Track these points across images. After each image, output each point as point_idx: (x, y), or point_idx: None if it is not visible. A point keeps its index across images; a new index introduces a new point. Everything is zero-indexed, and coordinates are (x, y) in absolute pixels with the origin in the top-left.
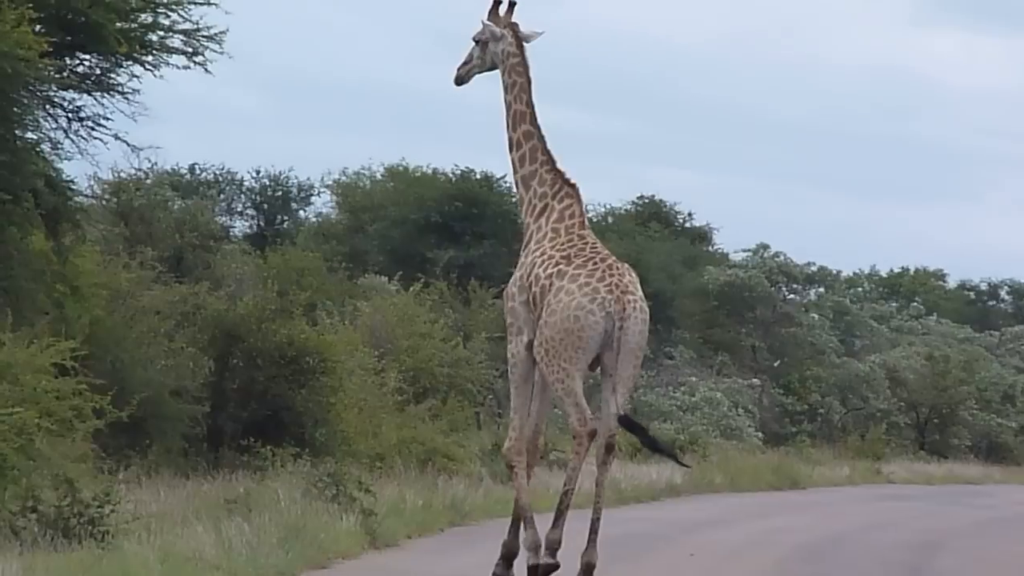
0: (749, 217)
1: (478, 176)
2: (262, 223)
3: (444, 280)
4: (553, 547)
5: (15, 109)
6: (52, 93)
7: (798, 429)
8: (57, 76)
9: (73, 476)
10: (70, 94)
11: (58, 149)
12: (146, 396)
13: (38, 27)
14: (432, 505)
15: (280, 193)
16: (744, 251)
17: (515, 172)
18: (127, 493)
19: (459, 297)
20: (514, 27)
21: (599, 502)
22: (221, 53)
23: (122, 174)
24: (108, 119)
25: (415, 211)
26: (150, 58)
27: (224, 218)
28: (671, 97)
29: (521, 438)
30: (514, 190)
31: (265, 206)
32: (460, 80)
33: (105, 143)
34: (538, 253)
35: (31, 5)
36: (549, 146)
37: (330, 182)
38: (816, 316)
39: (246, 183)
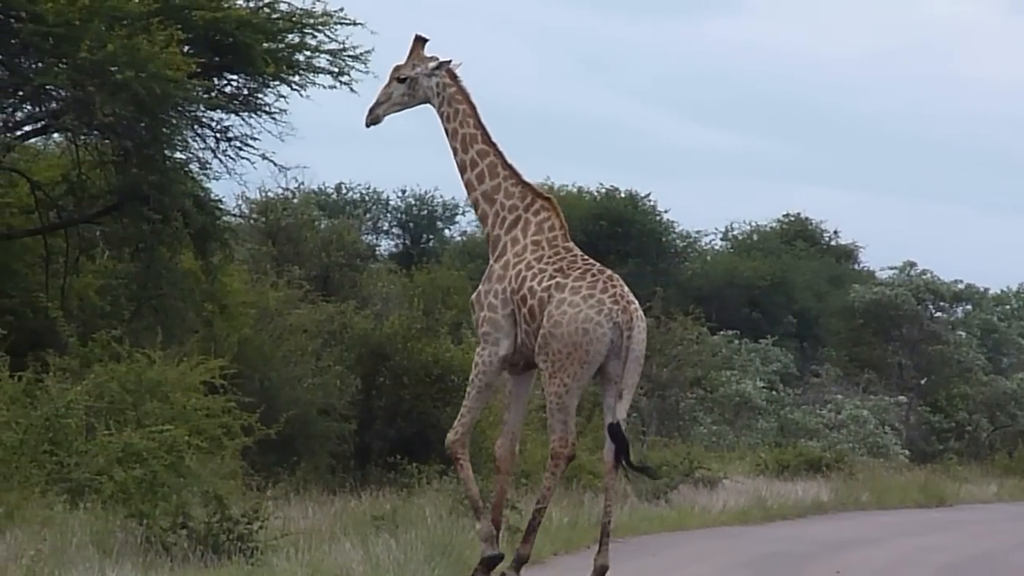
0: (895, 235)
1: (623, 195)
2: (408, 242)
3: None
4: (522, 562)
5: (164, 130)
6: (200, 113)
7: (945, 447)
8: (205, 96)
9: (223, 493)
10: (218, 114)
11: (206, 169)
12: (294, 414)
13: (187, 48)
14: (578, 522)
15: (426, 212)
16: (890, 269)
17: (472, 191)
18: (276, 510)
19: None
20: (442, 62)
21: (610, 505)
22: (367, 73)
23: (269, 194)
24: (256, 139)
25: None
26: (297, 78)
27: (370, 237)
28: (817, 116)
29: (467, 433)
30: (494, 207)
31: (411, 225)
32: (376, 120)
33: (253, 163)
34: (524, 266)
35: (180, 26)
36: (512, 162)
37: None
38: (963, 334)
39: (392, 202)
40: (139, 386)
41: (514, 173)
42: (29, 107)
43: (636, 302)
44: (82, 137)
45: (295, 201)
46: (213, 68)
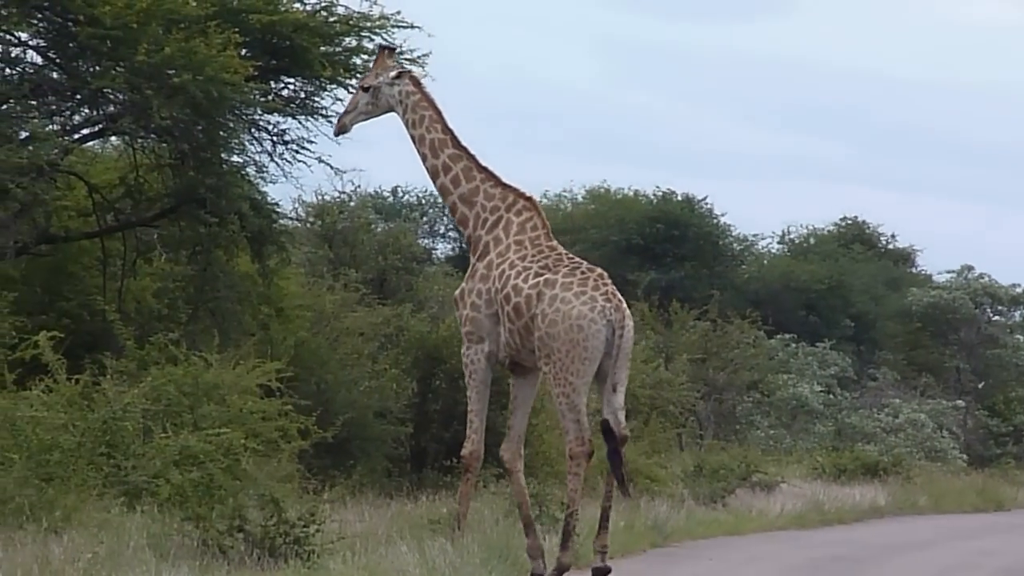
0: (953, 239)
1: (679, 198)
2: (464, 245)
3: (645, 302)
4: (563, 570)
5: (221, 133)
6: (257, 117)
7: (1002, 451)
8: (262, 100)
9: (279, 496)
10: (275, 117)
11: (263, 172)
12: (350, 417)
13: (244, 51)
14: (634, 526)
15: None
16: (948, 273)
17: (448, 195)
18: (332, 513)
19: (660, 319)
20: (403, 71)
21: (611, 492)
22: (424, 75)
23: (326, 197)
24: (312, 142)
25: (616, 233)
26: (354, 81)
27: (427, 240)
28: (875, 118)
29: (481, 441)
30: (474, 209)
31: None
32: (344, 129)
33: (309, 166)
34: (507, 265)
35: (237, 30)
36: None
37: None
38: (1021, 337)
39: None
40: (196, 389)
41: (491, 175)
42: (86, 110)
43: (623, 300)
44: (139, 140)
45: (351, 204)
46: (270, 71)
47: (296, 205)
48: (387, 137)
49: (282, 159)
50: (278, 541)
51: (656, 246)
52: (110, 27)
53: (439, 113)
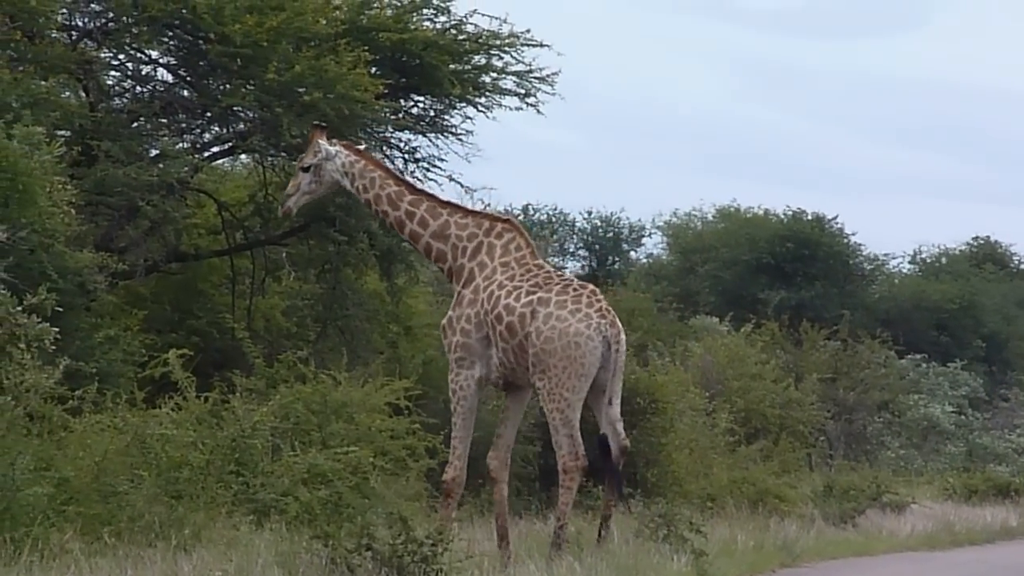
0: None
1: (810, 217)
2: (594, 264)
3: (775, 321)
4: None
5: None
6: (388, 134)
7: None
8: (392, 118)
9: (407, 514)
10: (406, 135)
11: None
12: (478, 436)
13: (373, 69)
14: (763, 546)
15: (612, 234)
16: None
17: (420, 238)
18: (460, 531)
19: (791, 338)
20: (340, 144)
21: (611, 500)
22: (553, 94)
23: None
24: (443, 160)
25: (746, 252)
26: (483, 99)
27: (557, 259)
28: (1008, 136)
29: (464, 467)
30: (449, 242)
31: (597, 247)
32: (288, 213)
33: (440, 184)
34: (496, 286)
35: (367, 48)
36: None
37: (661, 223)
38: None
39: (578, 224)
40: (324, 407)
41: (456, 207)
42: (217, 128)
43: (616, 315)
44: (269, 158)
45: None
46: (400, 89)
47: None
48: (518, 155)
49: (413, 177)
50: (406, 559)
51: (786, 265)
52: (240, 45)
53: (387, 170)
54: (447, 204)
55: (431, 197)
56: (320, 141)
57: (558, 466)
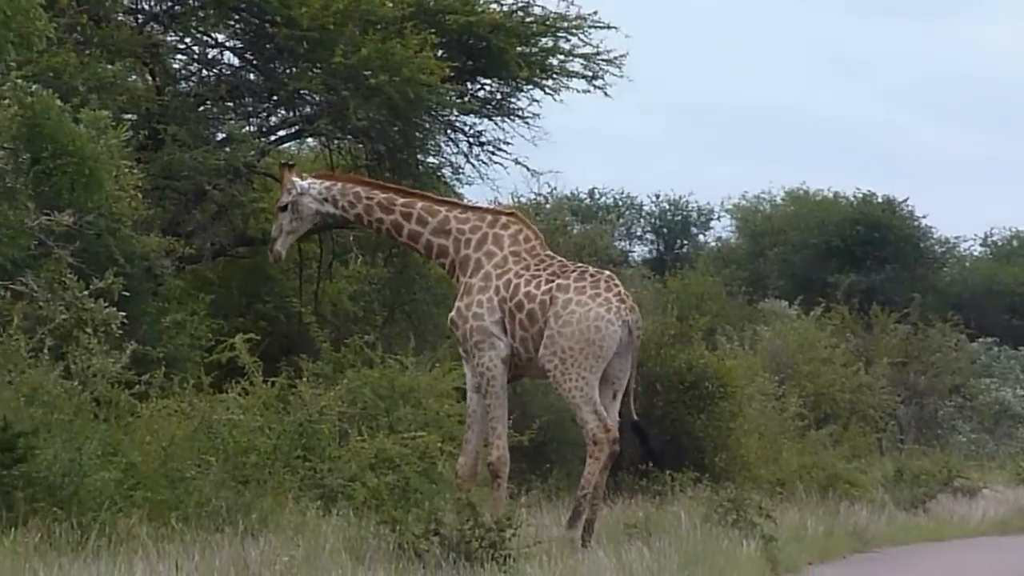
0: None
1: (880, 200)
2: (662, 248)
3: (845, 305)
4: (576, 544)
5: (417, 134)
6: (454, 118)
7: None
8: (459, 101)
9: (475, 500)
10: (471, 119)
11: (459, 174)
12: (547, 420)
13: (440, 52)
14: (834, 531)
15: (680, 218)
16: None
17: (419, 238)
18: (528, 517)
19: (861, 322)
20: (313, 174)
21: (597, 498)
22: (620, 77)
23: (522, 199)
24: (508, 143)
25: (816, 235)
26: (550, 82)
27: (623, 243)
28: None
29: (505, 446)
30: (451, 236)
31: (665, 231)
32: (278, 257)
33: (505, 168)
34: (512, 275)
35: (433, 30)
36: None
37: (730, 206)
38: None
39: (646, 207)
40: (392, 392)
41: (454, 203)
42: (283, 112)
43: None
44: (335, 141)
45: (547, 206)
46: (466, 72)
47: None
48: (585, 139)
49: (478, 161)
50: (474, 545)
51: (856, 248)
52: (307, 28)
53: (368, 182)
54: (444, 201)
55: (425, 197)
56: (293, 178)
57: (586, 438)
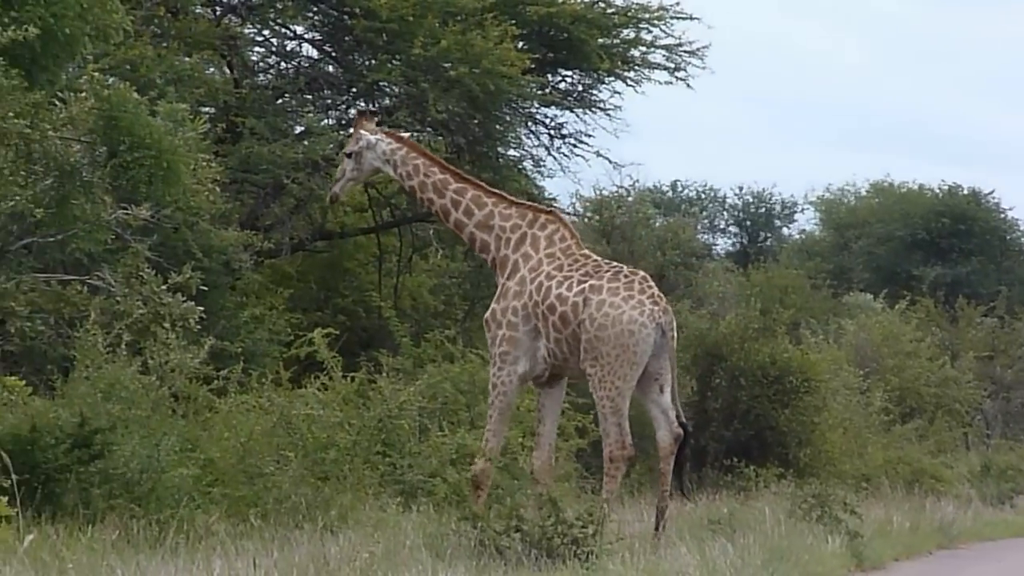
0: None
1: (965, 191)
2: (745, 240)
3: (931, 297)
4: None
5: (497, 127)
6: (534, 110)
7: None
8: (539, 93)
9: (557, 495)
10: (552, 111)
11: (540, 166)
12: (630, 415)
13: (520, 44)
14: (919, 527)
15: (763, 210)
16: None
17: (464, 227)
18: (610, 513)
19: (946, 315)
20: (382, 132)
21: (665, 490)
22: (703, 68)
23: (604, 191)
24: (590, 136)
25: (901, 228)
26: (632, 74)
27: (706, 236)
28: None
29: (493, 462)
30: (493, 232)
31: (748, 223)
32: (335, 198)
33: (587, 160)
34: (544, 277)
35: (514, 22)
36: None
37: (814, 199)
38: None
39: (729, 200)
40: (472, 387)
41: (502, 197)
42: (362, 104)
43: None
44: (415, 133)
45: (630, 199)
46: (547, 64)
47: (574, 200)
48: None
49: (559, 153)
50: (556, 541)
51: (942, 240)
52: (386, 20)
53: (431, 157)
54: (493, 193)
55: (477, 185)
56: (362, 130)
57: (604, 453)
